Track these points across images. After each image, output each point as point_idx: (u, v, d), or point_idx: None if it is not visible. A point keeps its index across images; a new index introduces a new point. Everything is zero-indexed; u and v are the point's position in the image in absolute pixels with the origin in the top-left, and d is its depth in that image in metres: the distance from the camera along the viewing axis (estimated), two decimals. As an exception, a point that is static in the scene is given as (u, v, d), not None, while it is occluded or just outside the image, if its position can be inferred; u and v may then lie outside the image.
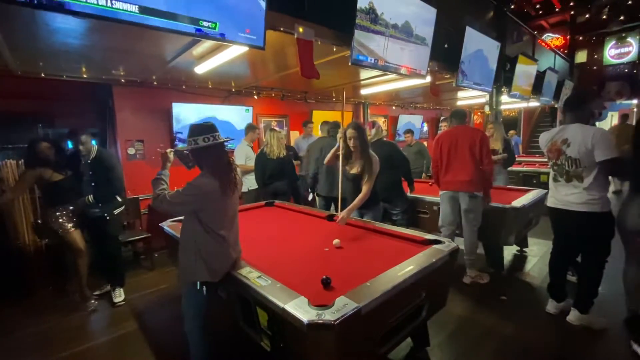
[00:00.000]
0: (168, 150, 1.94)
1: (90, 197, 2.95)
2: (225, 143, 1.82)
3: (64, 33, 2.38)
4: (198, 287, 1.77)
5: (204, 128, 1.76)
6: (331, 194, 3.69)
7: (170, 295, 3.18)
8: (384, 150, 3.26)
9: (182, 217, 2.37)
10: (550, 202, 2.54)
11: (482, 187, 3.04)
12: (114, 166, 3.10)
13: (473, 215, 3.07)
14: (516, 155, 6.79)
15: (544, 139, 2.56)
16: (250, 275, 1.69)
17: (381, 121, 7.82)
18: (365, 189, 2.62)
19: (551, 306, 2.64)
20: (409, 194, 3.69)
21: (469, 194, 3.02)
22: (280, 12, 2.45)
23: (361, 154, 2.67)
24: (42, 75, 3.39)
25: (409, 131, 5.82)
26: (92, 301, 3.01)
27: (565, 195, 2.39)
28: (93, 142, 3.09)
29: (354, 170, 2.74)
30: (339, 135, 2.75)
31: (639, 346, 2.18)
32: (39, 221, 3.30)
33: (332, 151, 2.87)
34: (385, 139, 3.62)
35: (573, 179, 2.34)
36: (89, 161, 2.98)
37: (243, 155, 4.32)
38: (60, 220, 2.88)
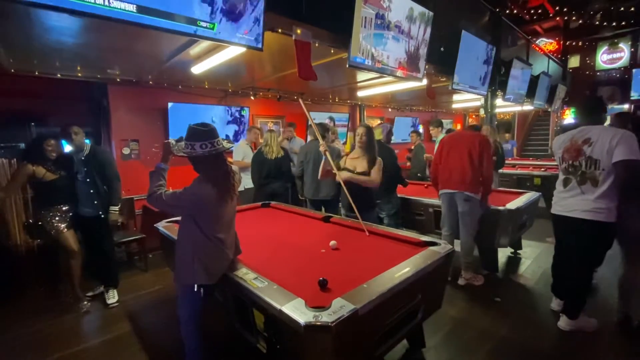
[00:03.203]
0: (171, 140, 1.79)
1: (96, 201, 2.94)
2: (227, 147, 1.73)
3: (59, 31, 2.35)
4: (195, 290, 1.76)
5: (203, 133, 1.64)
6: (317, 197, 3.70)
7: (165, 296, 3.15)
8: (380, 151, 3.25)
9: (177, 218, 2.37)
10: (554, 210, 2.47)
11: (479, 190, 3.03)
12: (110, 162, 3.08)
13: (469, 219, 3.08)
14: (510, 159, 6.90)
15: (560, 140, 2.46)
16: (247, 276, 1.69)
17: (377, 123, 7.86)
18: (373, 174, 2.70)
19: (555, 303, 2.68)
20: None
21: (464, 196, 3.03)
22: (278, 14, 2.46)
23: (367, 151, 2.80)
24: (36, 73, 3.35)
25: (415, 132, 5.81)
26: (85, 302, 2.97)
27: (571, 201, 2.32)
28: (87, 141, 3.05)
29: (361, 168, 2.76)
30: (322, 148, 2.73)
31: None
32: (31, 221, 3.26)
33: (321, 166, 2.81)
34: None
35: (587, 181, 2.24)
36: (82, 158, 2.94)
37: (241, 154, 4.39)
38: (53, 220, 2.84)
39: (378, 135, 3.44)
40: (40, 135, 2.91)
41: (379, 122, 3.62)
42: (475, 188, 3.03)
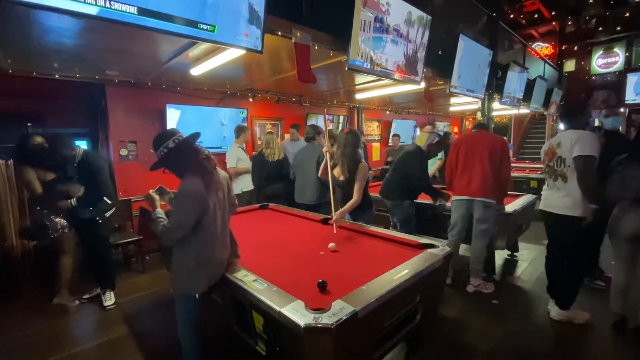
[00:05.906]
0: (150, 191, 1.83)
1: (73, 201, 2.86)
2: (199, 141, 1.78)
3: (58, 32, 2.35)
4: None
5: (168, 133, 1.72)
6: (302, 201, 3.70)
7: (162, 298, 3.14)
8: (406, 155, 3.39)
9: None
10: (540, 205, 2.69)
11: (497, 195, 2.95)
12: (100, 169, 2.99)
13: (486, 226, 2.97)
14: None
15: (544, 146, 2.71)
16: (246, 278, 1.69)
17: (375, 125, 7.88)
18: (355, 195, 2.69)
19: (552, 306, 2.69)
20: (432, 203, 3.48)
21: (483, 203, 2.93)
22: (278, 17, 2.47)
23: (342, 159, 2.80)
24: (34, 74, 3.33)
25: (396, 135, 6.72)
26: (75, 301, 2.97)
27: (551, 198, 2.55)
28: (84, 142, 3.04)
29: (341, 177, 2.84)
30: (325, 149, 2.84)
31: None
32: (28, 224, 3.23)
33: (322, 165, 2.92)
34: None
35: (559, 177, 2.49)
36: (75, 164, 2.92)
37: (235, 158, 4.23)
38: (56, 219, 2.84)
39: (422, 141, 3.30)
40: (23, 137, 2.89)
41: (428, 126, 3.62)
42: (494, 194, 2.94)
